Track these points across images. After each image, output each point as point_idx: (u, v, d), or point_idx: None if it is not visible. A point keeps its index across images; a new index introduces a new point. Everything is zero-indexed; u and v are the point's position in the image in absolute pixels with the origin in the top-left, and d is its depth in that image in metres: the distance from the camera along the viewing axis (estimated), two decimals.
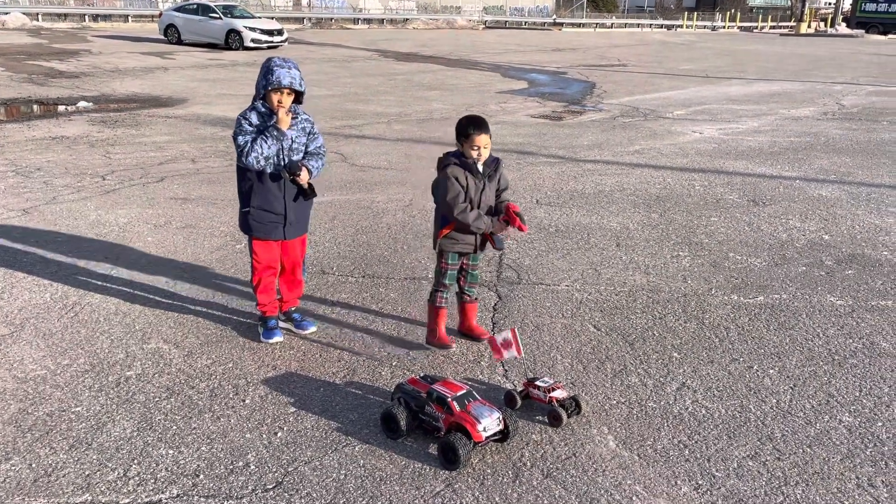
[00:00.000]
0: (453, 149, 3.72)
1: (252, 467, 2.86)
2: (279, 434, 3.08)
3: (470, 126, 3.57)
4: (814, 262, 5.21)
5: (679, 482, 2.79)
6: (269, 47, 23.37)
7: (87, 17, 31.16)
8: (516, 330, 3.28)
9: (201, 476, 2.80)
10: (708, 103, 13.53)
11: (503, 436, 2.96)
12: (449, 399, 2.93)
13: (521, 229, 3.61)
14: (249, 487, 2.74)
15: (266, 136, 3.62)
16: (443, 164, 3.67)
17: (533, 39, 32.78)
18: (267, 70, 3.65)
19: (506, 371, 3.63)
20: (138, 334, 3.95)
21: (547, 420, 3.16)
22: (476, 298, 3.96)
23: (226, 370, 3.60)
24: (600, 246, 5.56)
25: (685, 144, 9.72)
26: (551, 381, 3.28)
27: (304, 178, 3.71)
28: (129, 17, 32.17)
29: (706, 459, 2.93)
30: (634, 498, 2.69)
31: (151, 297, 4.47)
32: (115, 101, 12.67)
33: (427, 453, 2.95)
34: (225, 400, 3.33)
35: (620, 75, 18.21)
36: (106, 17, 31.63)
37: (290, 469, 2.85)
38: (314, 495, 2.70)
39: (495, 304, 4.47)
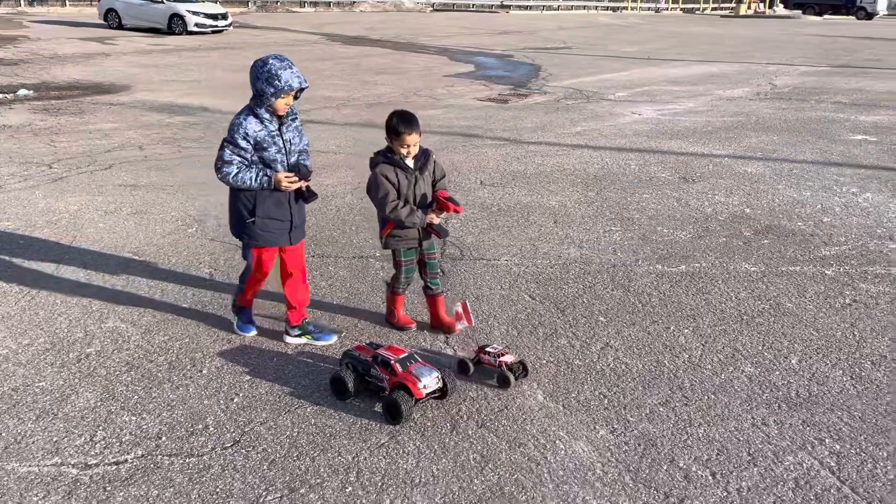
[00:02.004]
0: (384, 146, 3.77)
1: (211, 429, 3.12)
2: (235, 400, 3.34)
3: (401, 125, 3.61)
4: (734, 234, 5.66)
5: (597, 427, 3.15)
6: (213, 32, 23.09)
7: (22, 1, 30.17)
8: (467, 302, 3.54)
9: (163, 438, 3.05)
10: (648, 85, 14.03)
11: (442, 393, 3.27)
12: (392, 361, 3.22)
13: (457, 211, 3.75)
14: (209, 446, 3.00)
15: (258, 177, 3.47)
16: (373, 163, 3.74)
17: (481, 22, 32.98)
18: (269, 74, 3.40)
19: (447, 339, 3.94)
20: (95, 315, 4.15)
21: (496, 383, 3.42)
22: (442, 291, 4.02)
23: (182, 345, 3.83)
24: (539, 223, 5.91)
25: (624, 125, 10.15)
26: (500, 348, 3.54)
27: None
28: (67, 2, 31.27)
29: (622, 407, 3.31)
30: (558, 441, 3.05)
31: (107, 280, 4.65)
32: (57, 88, 12.51)
33: (373, 412, 3.25)
34: (183, 371, 3.57)
35: (566, 58, 18.63)
36: (42, 1, 30.67)
37: (246, 429, 3.12)
38: (269, 450, 2.98)
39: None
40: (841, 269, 4.92)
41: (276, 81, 3.42)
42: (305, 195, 3.69)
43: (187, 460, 2.91)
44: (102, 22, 23.67)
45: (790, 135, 9.41)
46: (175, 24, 22.55)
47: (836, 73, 15.25)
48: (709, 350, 3.84)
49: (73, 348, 3.77)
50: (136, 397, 3.34)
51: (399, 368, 3.21)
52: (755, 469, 2.88)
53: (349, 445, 3.02)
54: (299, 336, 3.87)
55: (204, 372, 3.58)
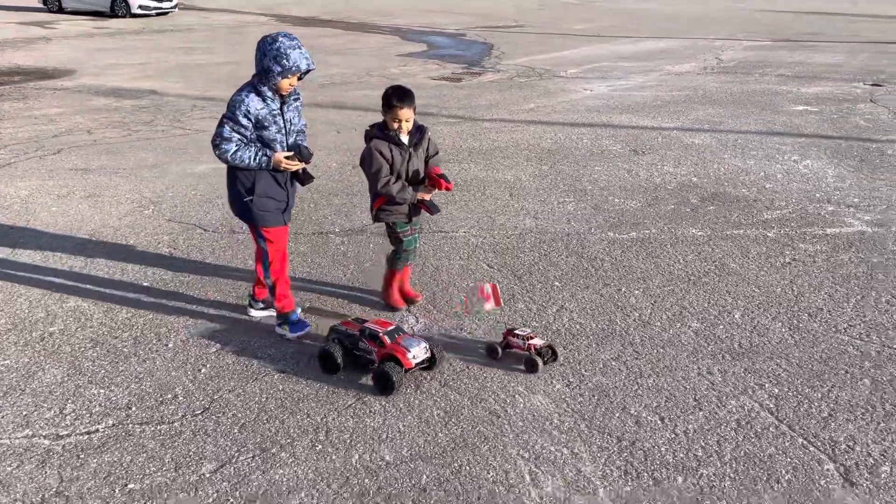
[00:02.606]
0: (379, 119, 3.77)
1: (180, 398, 3.21)
2: (203, 370, 3.43)
3: (394, 98, 3.62)
4: (681, 201, 5.90)
5: (554, 382, 3.34)
6: (158, 14, 22.57)
7: None
8: (496, 285, 3.53)
9: (133, 408, 3.13)
10: (599, 62, 14.27)
11: (430, 363, 3.34)
12: (380, 334, 3.28)
13: (448, 188, 3.76)
14: (180, 413, 3.09)
15: (258, 156, 3.44)
16: (368, 136, 3.74)
17: (433, 2, 32.85)
18: (277, 53, 3.33)
19: (417, 319, 4.06)
20: (56, 295, 4.17)
21: (525, 366, 3.37)
22: (410, 263, 4.06)
23: (146, 321, 3.89)
24: (495, 196, 6.07)
25: (576, 101, 10.35)
26: (529, 331, 3.48)
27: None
28: None
29: (577, 363, 3.50)
30: (517, 396, 3.22)
31: (65, 261, 4.65)
32: None
33: (342, 378, 3.37)
34: (148, 346, 3.64)
35: (518, 36, 18.77)
36: None
37: (215, 397, 3.22)
38: (239, 415, 3.09)
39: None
40: (782, 231, 5.19)
41: (285, 61, 3.33)
42: (301, 177, 3.66)
43: (158, 427, 3.00)
44: (41, 5, 22.92)
45: (735, 107, 9.74)
46: (118, 7, 21.97)
47: (779, 47, 15.73)
48: (658, 308, 4.06)
49: (35, 328, 3.79)
50: (103, 371, 3.40)
51: (388, 340, 3.26)
52: (700, 413, 3.10)
53: (317, 408, 3.15)
54: (263, 309, 3.92)
55: (170, 346, 3.65)
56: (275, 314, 3.82)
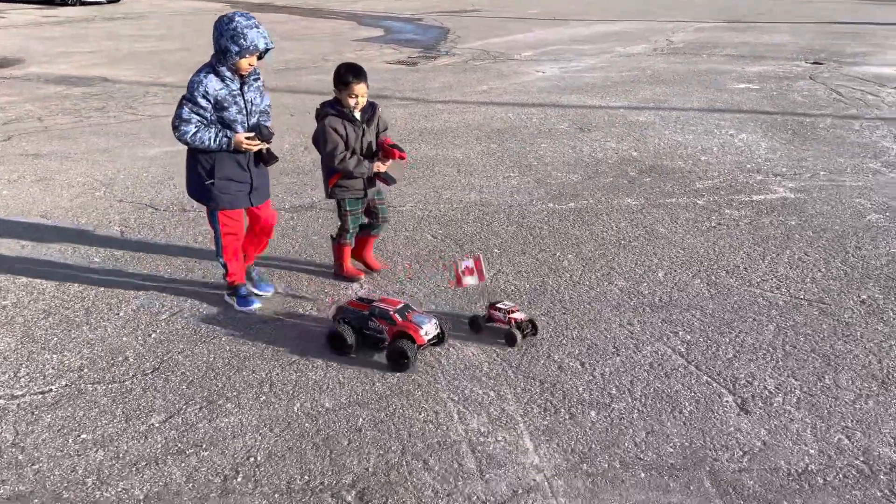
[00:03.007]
0: (329, 97, 3.85)
1: (131, 360, 3.40)
2: (153, 335, 3.63)
3: (349, 74, 3.69)
4: (620, 174, 6.21)
5: (485, 335, 3.60)
6: (108, 1, 22.28)
7: None
8: (481, 257, 3.54)
9: (85, 370, 3.32)
10: (553, 44, 14.56)
11: (439, 339, 3.42)
12: (391, 312, 3.34)
13: (402, 158, 3.87)
14: (130, 373, 3.29)
15: (218, 138, 3.47)
16: (320, 114, 3.80)
17: None
18: (234, 32, 3.35)
19: (361, 285, 4.28)
20: (7, 271, 4.30)
21: (505, 340, 3.45)
22: (377, 234, 4.22)
23: (98, 293, 4.06)
24: (443, 173, 6.31)
25: (529, 83, 10.62)
26: (511, 305, 3.54)
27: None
28: None
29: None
30: (451, 349, 3.48)
31: (16, 241, 4.78)
32: None
33: (287, 337, 3.59)
34: (100, 315, 3.82)
35: (475, 20, 18.98)
36: None
37: (165, 358, 3.42)
38: (188, 374, 3.30)
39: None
40: (711, 199, 5.53)
41: (242, 40, 3.34)
42: (266, 157, 3.67)
43: (110, 386, 3.20)
44: None
45: (681, 86, 10.10)
46: None
47: (728, 28, 16.20)
48: (588, 270, 4.35)
49: None
50: (55, 339, 3.58)
51: (399, 318, 3.33)
52: (618, 358, 3.39)
53: (262, 364, 3.37)
54: (259, 297, 3.92)
55: (121, 314, 3.83)
56: (263, 294, 3.90)
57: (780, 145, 6.99)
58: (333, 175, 3.90)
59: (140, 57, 12.81)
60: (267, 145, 3.65)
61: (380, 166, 3.91)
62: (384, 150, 3.91)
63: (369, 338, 3.39)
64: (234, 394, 3.15)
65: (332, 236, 4.22)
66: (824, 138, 7.19)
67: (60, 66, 11.74)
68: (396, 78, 11.03)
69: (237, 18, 3.39)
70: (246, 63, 3.45)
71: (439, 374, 3.27)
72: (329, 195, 4.01)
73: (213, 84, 3.44)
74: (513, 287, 4.14)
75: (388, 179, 3.97)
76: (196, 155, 3.59)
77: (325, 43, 14.80)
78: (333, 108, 3.80)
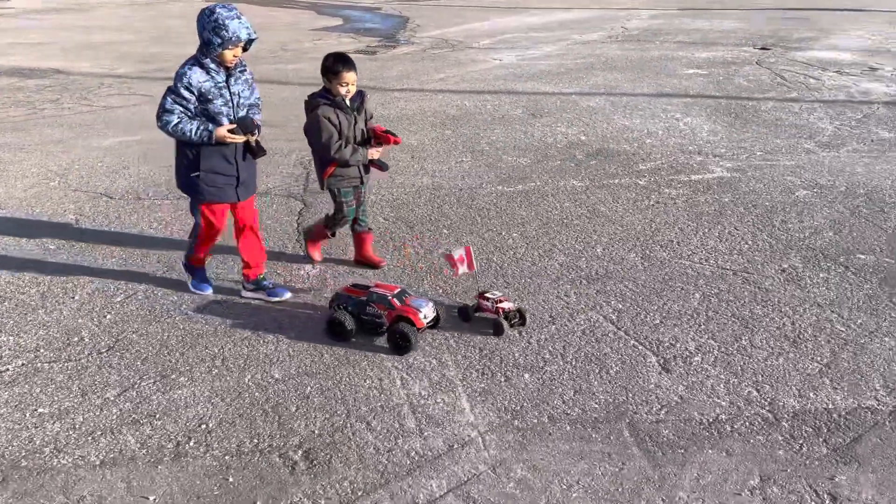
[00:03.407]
0: (317, 89, 3.88)
1: (86, 340, 3.54)
2: (108, 317, 3.76)
3: (338, 63, 3.74)
4: (568, 157, 6.45)
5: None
6: None
7: None
8: (471, 248, 3.57)
9: (42, 350, 3.45)
10: (510, 33, 14.77)
11: (436, 322, 3.50)
12: (389, 297, 3.41)
13: (396, 142, 3.97)
14: (86, 352, 3.43)
15: (199, 130, 3.45)
16: (311, 106, 3.80)
17: None
18: (216, 24, 3.36)
19: (313, 265, 4.45)
20: None
21: (491, 329, 3.48)
22: (370, 228, 4.27)
23: (53, 279, 4.17)
24: (397, 159, 6.48)
25: (485, 71, 10.82)
26: (500, 294, 3.59)
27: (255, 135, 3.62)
28: None
29: (454, 294, 3.97)
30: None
31: None
32: None
33: (239, 314, 3.75)
34: (55, 299, 3.94)
35: (434, 9, 19.10)
36: None
37: (120, 337, 3.56)
38: (143, 351, 3.45)
39: (300, 210, 5.27)
40: (652, 179, 5.80)
41: (224, 32, 3.35)
42: (254, 150, 3.64)
43: (66, 364, 3.34)
44: None
45: (632, 72, 10.38)
46: None
47: (682, 15, 16.56)
48: (531, 247, 4.58)
49: None
50: (11, 322, 3.69)
51: (397, 303, 3.40)
52: (553, 326, 3.62)
53: (215, 341, 3.53)
54: (254, 290, 3.92)
55: (76, 298, 3.95)
56: (257, 292, 3.91)
57: (721, 128, 7.30)
58: (329, 165, 3.90)
59: (94, 48, 12.72)
60: (249, 137, 3.59)
61: (374, 153, 3.95)
62: (378, 137, 3.94)
63: (367, 323, 3.45)
64: (187, 368, 3.31)
65: (326, 214, 4.26)
66: (764, 121, 7.51)
67: (12, 58, 11.62)
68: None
69: (218, 10, 3.39)
70: (230, 55, 3.45)
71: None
72: (324, 186, 4.00)
73: (196, 76, 3.45)
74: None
75: (382, 166, 4.03)
76: (182, 147, 3.61)
77: (284, 32, 14.81)
78: (325, 98, 3.80)
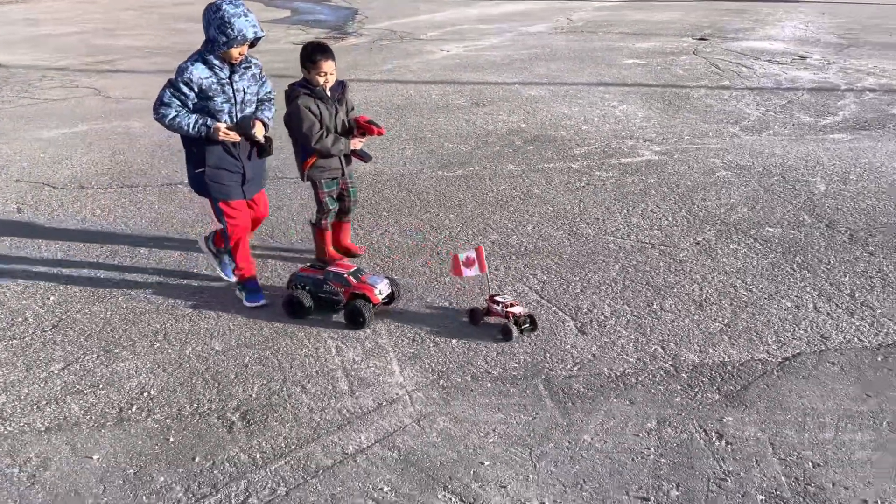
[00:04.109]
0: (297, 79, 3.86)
1: (31, 320, 3.68)
2: (52, 298, 3.90)
3: (316, 53, 3.73)
4: (507, 144, 6.72)
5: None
6: None
7: None
8: (482, 248, 3.54)
9: None
10: (459, 24, 15.02)
11: (391, 298, 3.65)
12: (345, 275, 3.57)
13: (380, 133, 3.97)
14: (30, 332, 3.57)
15: (196, 125, 3.43)
16: (291, 96, 3.79)
17: None
18: (221, 22, 3.30)
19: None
20: None
21: (500, 334, 3.43)
22: (348, 219, 4.27)
23: None
24: None
25: (432, 61, 11.04)
26: (511, 298, 3.54)
27: (259, 132, 3.57)
28: None
29: (390, 270, 4.20)
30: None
31: None
32: None
33: (180, 293, 3.92)
34: None
35: (383, 1, 19.24)
36: None
37: (63, 317, 3.71)
38: (85, 328, 3.60)
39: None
40: (584, 163, 6.10)
41: (229, 30, 3.29)
42: (259, 149, 3.64)
43: (10, 342, 3.47)
44: None
45: (574, 62, 10.72)
46: None
47: (627, 7, 17.01)
48: (466, 227, 4.83)
49: None
50: None
51: (353, 280, 3.55)
52: (481, 297, 3.88)
53: (157, 317, 3.71)
54: (214, 255, 3.96)
55: (19, 281, 4.08)
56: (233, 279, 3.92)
57: (654, 114, 7.66)
58: (309, 156, 3.90)
59: (36, 41, 12.58)
60: (239, 138, 3.53)
61: (356, 143, 3.97)
62: (361, 127, 3.94)
63: (325, 300, 3.59)
64: (130, 343, 3.48)
65: (311, 222, 4.23)
66: (695, 107, 7.90)
67: None
68: None
69: (224, 7, 3.31)
70: (236, 52, 3.40)
71: (325, 318, 3.68)
72: (305, 178, 4.01)
73: (198, 72, 3.40)
74: (395, 243, 4.58)
75: (364, 156, 4.05)
76: (187, 144, 3.59)
77: None
78: (304, 88, 3.79)
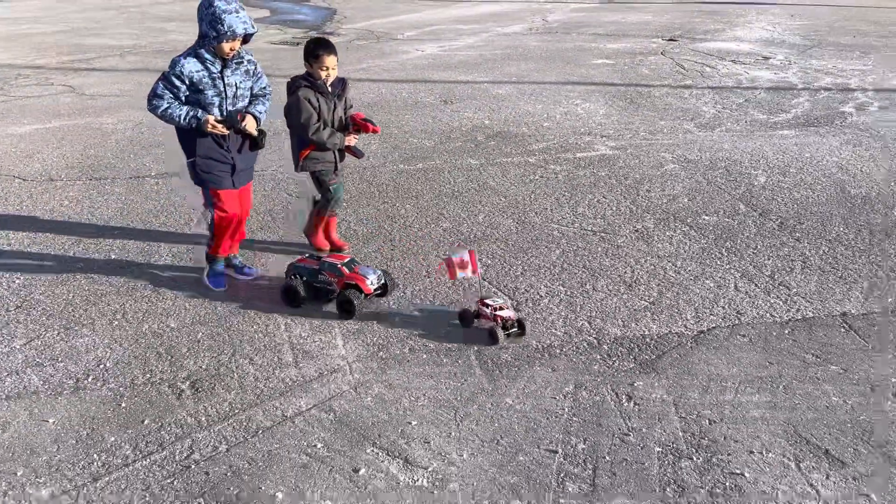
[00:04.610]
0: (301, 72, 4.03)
1: None
2: (17, 281, 4.12)
3: (319, 48, 3.89)
4: (469, 139, 6.98)
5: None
6: None
7: None
8: (475, 251, 3.57)
9: None
10: (436, 24, 15.29)
11: (384, 290, 3.79)
12: (339, 265, 3.71)
13: (375, 131, 4.09)
14: None
15: (187, 116, 3.56)
16: (293, 87, 3.96)
17: None
18: (213, 17, 3.43)
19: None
20: None
21: (487, 336, 3.45)
22: (336, 212, 4.41)
23: None
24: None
25: (406, 61, 11.29)
26: (501, 301, 3.54)
27: (250, 126, 3.70)
28: None
29: (355, 254, 4.43)
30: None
31: None
32: None
33: (138, 275, 4.15)
34: None
35: (362, 1, 19.49)
36: None
37: (27, 298, 3.93)
38: (48, 309, 3.82)
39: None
40: (541, 157, 6.37)
41: (220, 25, 3.43)
42: (258, 140, 3.83)
43: None
44: None
45: (544, 62, 11.01)
46: None
47: (603, 8, 17.35)
48: (420, 216, 5.08)
49: None
50: None
51: (346, 270, 3.69)
52: (428, 280, 4.13)
53: (118, 299, 3.93)
54: (226, 266, 4.08)
55: None
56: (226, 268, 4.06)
57: (615, 112, 7.95)
58: (305, 147, 4.06)
59: (12, 39, 12.73)
60: (228, 131, 3.68)
61: (351, 139, 4.10)
62: (357, 124, 4.07)
63: (320, 290, 3.75)
64: (90, 321, 3.71)
65: (315, 202, 4.38)
66: (655, 105, 8.20)
67: None
68: (277, 57, 11.48)
69: (216, 3, 3.43)
70: (227, 47, 3.53)
71: (275, 296, 3.91)
72: (299, 168, 4.17)
73: (189, 66, 3.55)
74: (352, 232, 4.82)
75: (357, 153, 4.19)
76: (180, 134, 3.74)
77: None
78: (306, 81, 3.96)
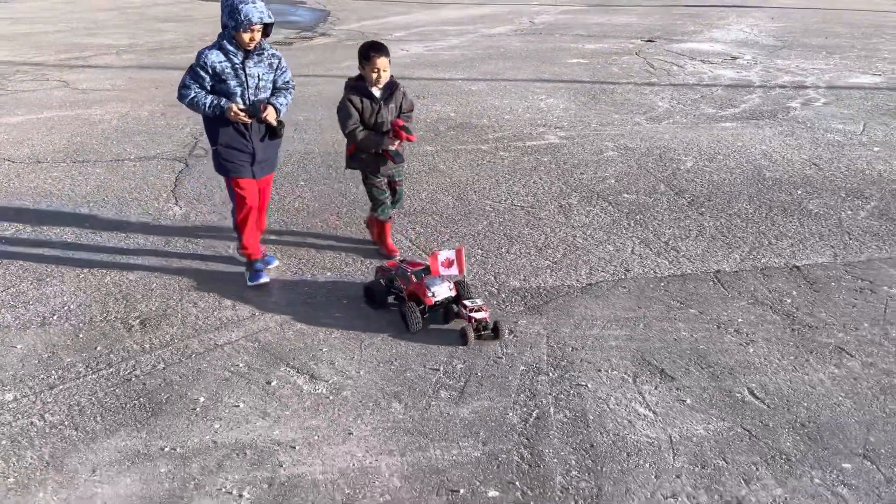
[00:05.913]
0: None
1: None
2: None
3: (371, 49, 4.08)
4: (431, 130, 7.57)
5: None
6: None
7: None
8: (462, 250, 3.65)
9: None
10: (425, 26, 15.93)
11: (455, 299, 3.65)
12: (409, 273, 3.75)
13: (409, 140, 4.15)
14: None
15: (212, 104, 3.75)
16: (345, 87, 4.20)
17: None
18: (231, 8, 3.64)
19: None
20: None
21: (459, 336, 3.52)
22: (391, 217, 4.51)
23: None
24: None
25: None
26: (480, 303, 3.58)
27: (270, 116, 3.87)
28: None
29: (289, 234, 5.03)
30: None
31: None
32: None
33: (101, 250, 4.76)
34: None
35: (356, 3, 20.17)
36: None
37: (5, 254, 4.53)
38: (24, 265, 4.43)
39: (181, 171, 6.27)
40: (493, 146, 6.95)
41: (237, 15, 3.63)
42: (277, 130, 3.99)
43: None
44: None
45: (521, 61, 11.60)
46: None
47: (589, 11, 17.95)
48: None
49: None
50: None
51: (414, 279, 3.71)
52: (362, 245, 4.71)
53: (86, 256, 4.54)
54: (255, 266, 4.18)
55: None
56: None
57: (575, 107, 8.52)
58: (351, 145, 4.27)
59: (13, 38, 13.45)
60: (249, 120, 3.86)
61: (395, 144, 4.19)
62: (395, 131, 4.18)
63: (396, 293, 3.81)
64: (60, 274, 4.31)
65: (373, 215, 4.52)
66: (615, 101, 8.77)
67: None
68: None
69: None
70: (246, 37, 3.73)
71: (244, 281, 4.48)
72: (347, 165, 4.43)
73: (212, 57, 3.77)
74: (306, 207, 5.41)
75: (395, 157, 4.23)
76: (206, 125, 3.97)
77: (205, 25, 15.70)
78: (356, 82, 4.18)
